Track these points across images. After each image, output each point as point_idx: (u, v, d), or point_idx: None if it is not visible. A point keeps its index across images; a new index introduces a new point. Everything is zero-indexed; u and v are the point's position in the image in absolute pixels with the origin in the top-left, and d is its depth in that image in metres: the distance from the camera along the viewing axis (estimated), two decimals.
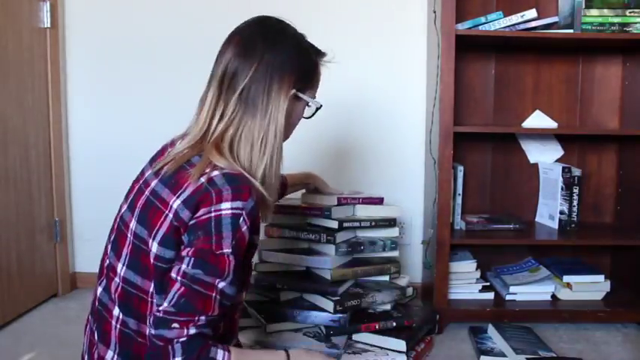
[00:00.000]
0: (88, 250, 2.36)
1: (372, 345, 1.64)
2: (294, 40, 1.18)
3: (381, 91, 2.25)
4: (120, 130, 2.31)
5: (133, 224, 1.07)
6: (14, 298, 1.99)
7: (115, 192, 2.33)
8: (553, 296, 2.05)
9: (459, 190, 2.07)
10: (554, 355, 1.66)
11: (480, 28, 1.90)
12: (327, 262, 1.65)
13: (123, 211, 1.14)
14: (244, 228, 0.99)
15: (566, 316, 1.94)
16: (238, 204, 0.98)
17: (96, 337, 1.11)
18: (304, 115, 1.23)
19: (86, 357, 1.16)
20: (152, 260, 1.02)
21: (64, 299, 2.24)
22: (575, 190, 2.07)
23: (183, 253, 0.98)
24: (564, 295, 2.03)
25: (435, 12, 1.97)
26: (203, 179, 1.00)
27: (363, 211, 1.80)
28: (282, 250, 1.74)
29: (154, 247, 1.02)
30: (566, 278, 2.03)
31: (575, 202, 2.08)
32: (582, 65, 2.20)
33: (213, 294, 0.98)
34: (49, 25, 2.14)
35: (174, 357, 0.94)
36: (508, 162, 2.25)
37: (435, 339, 1.85)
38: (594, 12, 1.89)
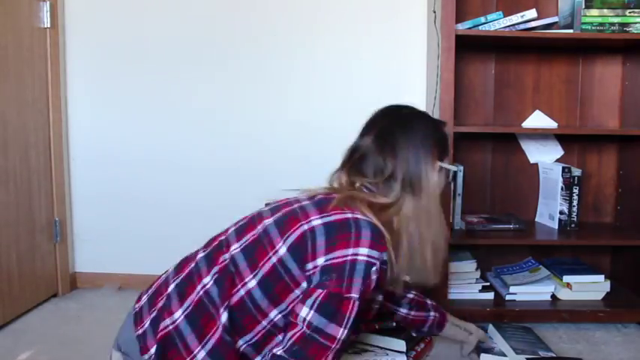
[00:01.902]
0: (87, 250, 2.36)
1: (372, 345, 1.64)
2: (423, 117, 1.28)
3: (381, 90, 2.25)
4: (120, 130, 2.31)
5: (268, 221, 1.13)
6: (14, 298, 1.99)
7: (114, 192, 2.36)
8: (553, 296, 2.05)
9: (459, 190, 2.07)
10: (554, 355, 1.66)
11: (480, 28, 1.90)
12: None
13: (264, 209, 1.21)
14: (374, 277, 1.03)
15: (566, 316, 1.94)
16: (375, 253, 1.03)
17: (169, 290, 1.13)
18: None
19: (144, 298, 1.19)
20: (274, 260, 1.07)
21: (64, 299, 2.24)
22: (575, 190, 2.07)
23: (313, 294, 1.02)
24: (564, 295, 2.03)
25: (435, 12, 1.97)
26: (350, 215, 1.07)
27: None
28: None
29: (282, 250, 1.07)
30: (566, 278, 2.03)
31: (575, 202, 2.08)
32: (582, 65, 2.20)
33: (333, 345, 1.01)
34: (49, 25, 2.14)
35: None
36: (508, 162, 2.25)
37: (435, 339, 1.84)
38: (594, 12, 1.89)
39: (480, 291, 2.04)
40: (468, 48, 2.06)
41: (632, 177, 2.13)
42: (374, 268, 1.02)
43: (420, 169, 1.16)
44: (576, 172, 2.08)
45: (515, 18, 1.89)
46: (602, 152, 2.23)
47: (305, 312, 1.01)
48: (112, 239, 2.34)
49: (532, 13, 1.89)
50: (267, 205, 1.25)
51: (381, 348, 1.62)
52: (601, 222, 2.24)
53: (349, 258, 1.01)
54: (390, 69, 2.24)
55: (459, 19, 1.86)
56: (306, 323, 1.00)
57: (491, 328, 1.82)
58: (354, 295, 1.01)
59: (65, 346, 1.77)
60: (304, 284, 1.06)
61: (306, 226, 1.06)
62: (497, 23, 1.89)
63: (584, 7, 1.89)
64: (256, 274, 1.07)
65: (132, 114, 2.30)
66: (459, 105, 2.09)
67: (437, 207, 1.19)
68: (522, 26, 1.90)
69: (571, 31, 1.91)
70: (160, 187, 2.32)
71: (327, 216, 1.07)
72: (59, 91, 2.23)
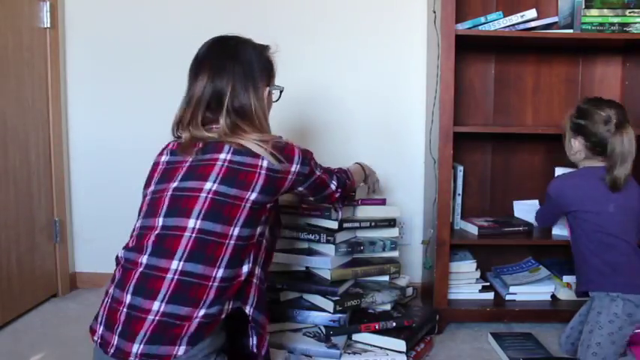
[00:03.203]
0: (87, 250, 2.36)
1: (372, 345, 1.64)
2: (250, 45, 1.37)
3: (380, 90, 2.25)
4: (120, 129, 2.31)
5: (213, 186, 1.20)
6: (14, 298, 1.99)
7: (114, 192, 2.35)
8: (553, 296, 2.05)
9: (459, 190, 2.07)
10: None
11: (480, 28, 1.90)
12: (327, 262, 1.65)
13: (175, 185, 1.24)
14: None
15: (566, 316, 1.93)
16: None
17: (126, 301, 1.14)
18: (273, 100, 1.46)
19: (100, 327, 1.18)
20: (249, 205, 1.21)
21: (64, 299, 2.24)
22: None
23: (313, 176, 1.39)
24: (564, 295, 2.03)
25: (435, 12, 1.97)
26: (268, 141, 1.28)
27: (363, 212, 1.80)
28: (282, 250, 1.74)
29: (253, 196, 1.21)
30: (566, 278, 2.03)
31: None
32: (582, 65, 2.20)
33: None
34: (49, 25, 2.14)
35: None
36: (508, 162, 2.25)
37: (435, 339, 1.85)
38: (594, 12, 1.89)
39: (480, 291, 2.04)
40: (468, 48, 2.06)
41: (632, 177, 2.13)
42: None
43: (248, 95, 1.30)
44: None
45: (515, 18, 1.89)
46: None
47: (317, 171, 1.39)
48: (112, 239, 2.34)
49: (532, 13, 1.89)
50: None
51: (381, 348, 1.63)
52: None
53: (297, 148, 1.33)
54: (390, 69, 2.24)
55: (459, 19, 1.86)
56: (321, 169, 1.43)
57: (490, 337, 1.83)
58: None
59: (65, 346, 1.77)
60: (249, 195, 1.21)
61: (262, 172, 1.23)
62: (497, 23, 1.89)
63: (584, 7, 1.89)
64: (236, 224, 1.20)
65: (132, 114, 2.30)
66: (458, 105, 2.09)
67: (266, 127, 1.34)
68: (522, 26, 1.90)
69: (571, 31, 1.91)
70: None
71: (264, 154, 1.25)
72: (59, 91, 2.23)
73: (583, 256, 1.64)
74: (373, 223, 1.77)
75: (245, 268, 1.22)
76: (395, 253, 1.80)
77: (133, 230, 1.27)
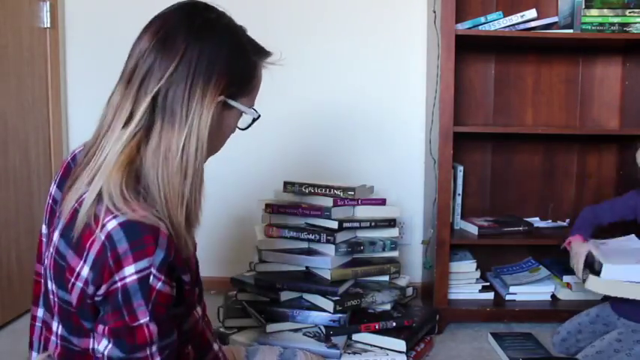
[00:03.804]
0: None
1: (372, 345, 1.64)
2: (228, 32, 0.93)
3: (380, 91, 2.25)
4: None
5: (53, 287, 0.87)
6: (14, 298, 1.99)
7: None
8: (553, 296, 2.05)
9: (459, 190, 2.07)
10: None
11: (480, 28, 1.90)
12: (327, 262, 1.65)
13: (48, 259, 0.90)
14: (159, 285, 0.80)
15: (566, 316, 1.93)
16: (143, 263, 0.78)
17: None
18: (239, 126, 1.01)
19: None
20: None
21: None
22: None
23: (99, 330, 0.80)
24: (564, 295, 2.03)
25: (435, 12, 1.97)
26: (102, 236, 0.79)
27: (363, 212, 1.80)
28: (282, 250, 1.74)
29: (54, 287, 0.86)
30: (566, 278, 2.03)
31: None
32: (582, 65, 2.20)
33: None
34: (49, 25, 2.14)
35: None
36: (508, 162, 2.25)
37: (435, 339, 1.85)
38: (594, 12, 1.89)
39: (480, 291, 2.04)
40: (468, 48, 2.06)
41: (632, 177, 2.13)
42: (152, 279, 0.79)
43: (181, 92, 0.85)
44: None
45: (515, 18, 1.89)
46: (602, 152, 2.23)
47: (103, 346, 0.80)
48: None
49: (532, 13, 1.89)
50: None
51: (381, 348, 1.63)
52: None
53: (118, 285, 0.78)
54: (390, 69, 2.24)
55: (459, 19, 1.86)
56: (106, 358, 0.80)
57: (490, 337, 1.83)
58: (143, 319, 0.79)
59: None
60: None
61: (80, 284, 0.81)
62: (497, 23, 1.89)
63: (584, 7, 1.89)
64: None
65: None
66: (458, 105, 2.09)
67: (196, 150, 0.87)
68: (522, 26, 1.90)
69: (571, 31, 1.91)
70: None
71: (88, 255, 0.80)
72: (59, 91, 2.23)
73: None
74: (373, 223, 1.77)
75: None
76: (395, 253, 1.80)
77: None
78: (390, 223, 1.80)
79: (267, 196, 1.93)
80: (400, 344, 1.61)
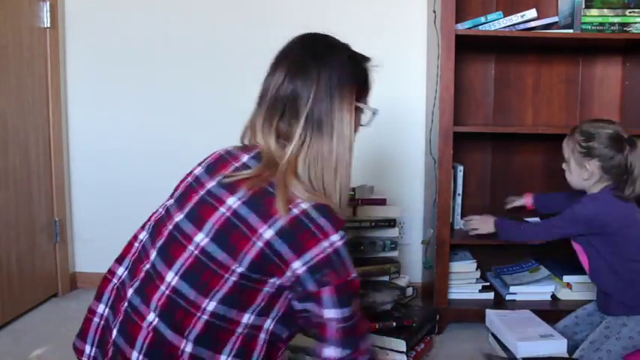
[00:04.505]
0: (88, 250, 2.36)
1: (372, 345, 1.64)
2: (342, 50, 1.16)
3: (380, 90, 2.24)
4: (120, 129, 2.31)
5: (203, 241, 1.00)
6: (14, 298, 1.99)
7: (114, 192, 2.35)
8: (553, 296, 2.05)
9: (459, 190, 2.07)
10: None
11: (480, 28, 1.90)
12: None
13: (178, 219, 1.06)
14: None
15: (565, 316, 1.94)
16: (342, 233, 1.01)
17: (113, 336, 1.05)
18: (362, 124, 1.20)
19: (92, 350, 1.13)
20: (234, 279, 0.97)
21: (64, 299, 2.24)
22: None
23: (320, 294, 0.98)
24: (564, 295, 2.03)
25: (435, 12, 1.97)
26: (296, 211, 0.98)
27: (363, 212, 1.80)
28: None
29: (240, 269, 0.97)
30: (566, 278, 2.03)
31: None
32: (582, 65, 2.20)
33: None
34: (49, 25, 2.14)
35: None
36: (508, 162, 2.25)
37: (435, 339, 1.85)
38: (594, 12, 1.89)
39: (480, 291, 2.04)
40: (468, 48, 2.06)
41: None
42: (346, 240, 1.03)
43: (324, 108, 1.05)
44: None
45: (515, 18, 1.89)
46: None
47: (330, 312, 0.99)
48: (112, 239, 2.33)
49: (532, 13, 1.89)
50: (176, 201, 1.11)
51: (381, 348, 1.63)
52: None
53: (329, 250, 0.98)
54: (390, 69, 2.23)
55: (459, 19, 1.86)
56: (338, 320, 0.99)
57: (490, 337, 1.83)
58: (353, 273, 1.02)
59: (65, 346, 1.76)
60: (273, 280, 0.99)
61: (260, 243, 0.97)
62: (497, 23, 1.89)
63: (584, 7, 1.89)
64: (214, 296, 0.98)
65: (132, 114, 2.30)
66: (459, 105, 2.09)
67: (346, 151, 1.09)
68: (522, 26, 1.90)
69: (571, 31, 1.91)
70: (160, 187, 2.31)
71: (275, 223, 0.97)
72: (59, 91, 2.23)
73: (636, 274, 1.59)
74: (373, 223, 1.77)
75: (223, 357, 1.00)
76: (395, 253, 1.80)
77: (135, 237, 1.17)
78: (390, 223, 1.80)
79: None
80: (400, 344, 1.61)
